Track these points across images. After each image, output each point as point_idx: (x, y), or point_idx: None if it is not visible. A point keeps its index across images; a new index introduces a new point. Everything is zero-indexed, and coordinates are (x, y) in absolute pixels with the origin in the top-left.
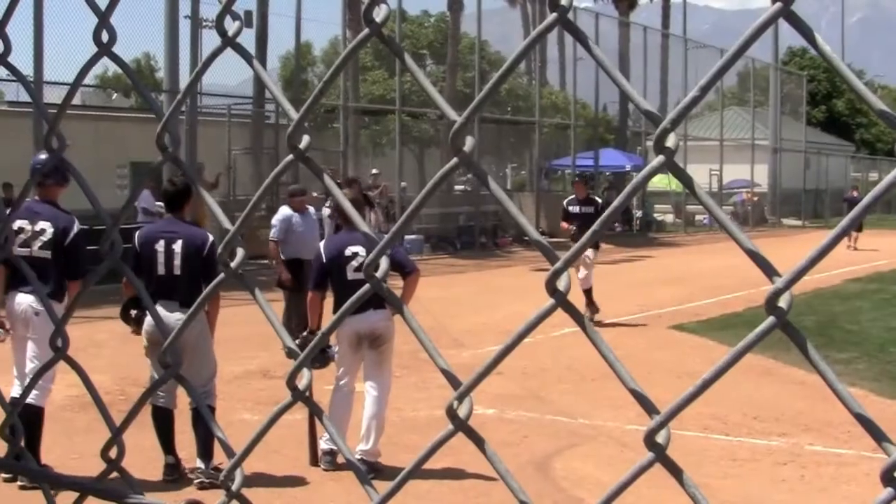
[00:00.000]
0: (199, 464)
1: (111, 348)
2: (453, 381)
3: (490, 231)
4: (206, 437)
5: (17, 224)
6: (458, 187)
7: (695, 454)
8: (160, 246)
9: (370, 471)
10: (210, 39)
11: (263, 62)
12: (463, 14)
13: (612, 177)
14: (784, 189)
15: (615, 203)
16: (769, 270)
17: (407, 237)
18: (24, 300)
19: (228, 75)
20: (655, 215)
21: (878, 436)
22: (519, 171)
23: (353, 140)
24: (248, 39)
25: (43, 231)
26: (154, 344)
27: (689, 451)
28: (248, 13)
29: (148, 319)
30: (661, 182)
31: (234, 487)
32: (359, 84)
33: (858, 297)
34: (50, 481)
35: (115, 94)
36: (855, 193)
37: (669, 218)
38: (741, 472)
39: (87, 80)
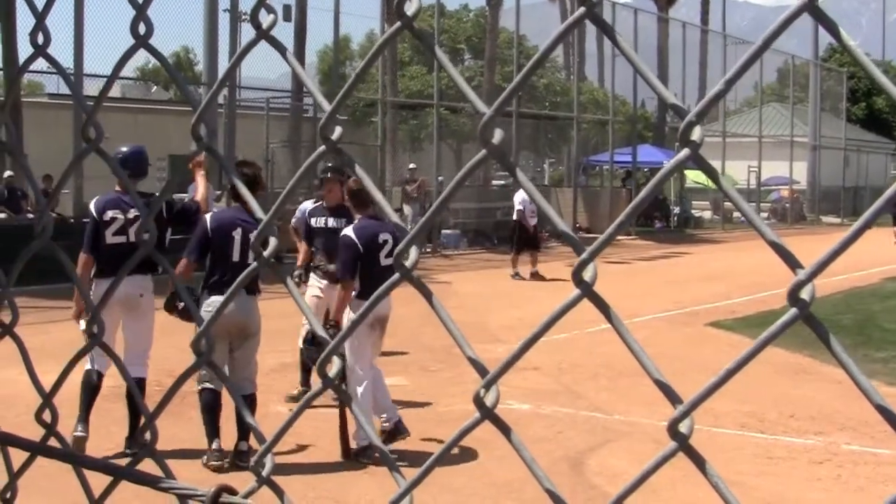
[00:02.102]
0: (243, 447)
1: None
2: (481, 370)
3: None
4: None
5: (109, 214)
6: (495, 182)
7: (731, 452)
8: (237, 234)
9: (399, 431)
10: (249, 33)
11: (302, 56)
12: (501, 9)
13: (650, 173)
14: (823, 186)
15: (642, 193)
16: (792, 262)
17: (444, 231)
18: (131, 284)
19: (267, 69)
20: (693, 212)
21: None
22: (557, 166)
23: (391, 135)
24: (286, 33)
25: (137, 218)
26: (224, 330)
27: (725, 449)
28: (287, 7)
29: (209, 306)
30: (700, 178)
31: (264, 473)
32: (397, 79)
33: None
34: (85, 465)
35: (155, 87)
36: None
37: (707, 214)
38: (777, 470)
39: (127, 73)
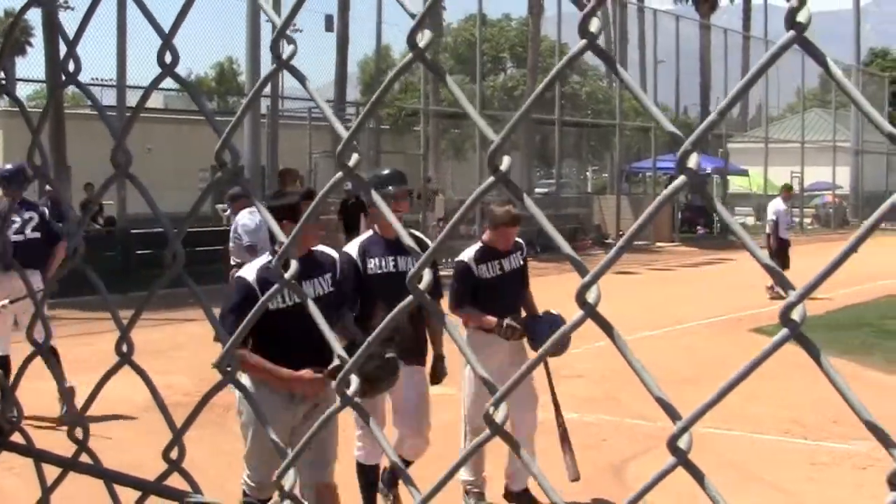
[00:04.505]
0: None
1: (190, 350)
2: (490, 386)
3: (570, 233)
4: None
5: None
6: (539, 190)
7: (773, 457)
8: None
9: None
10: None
11: (344, 66)
12: (543, 17)
13: None
14: (866, 191)
15: (640, 220)
16: (785, 284)
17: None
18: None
19: (311, 78)
20: (736, 217)
21: (886, 442)
22: (600, 173)
23: (433, 143)
24: (329, 44)
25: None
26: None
27: (767, 455)
28: (329, 17)
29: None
30: (743, 183)
31: (286, 487)
32: (439, 88)
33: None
34: (115, 480)
35: None
36: None
37: (750, 220)
38: (821, 476)
39: (168, 84)
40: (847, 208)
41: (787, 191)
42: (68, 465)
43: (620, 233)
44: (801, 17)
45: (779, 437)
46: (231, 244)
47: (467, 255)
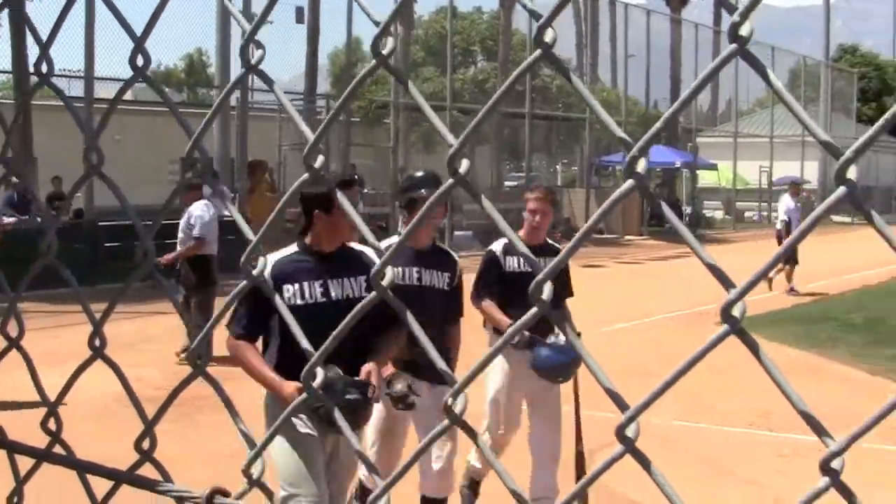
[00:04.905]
0: None
1: (161, 343)
2: (450, 379)
3: None
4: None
5: None
6: (508, 183)
7: (744, 451)
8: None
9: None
10: (263, 35)
11: (315, 58)
12: (515, 10)
13: (663, 173)
14: (834, 186)
15: (590, 221)
16: (726, 283)
17: (456, 233)
18: None
19: (280, 70)
20: (705, 212)
21: (819, 430)
22: (570, 167)
23: (403, 136)
24: (300, 35)
25: None
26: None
27: (739, 448)
28: (300, 9)
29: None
30: (711, 178)
31: (255, 476)
32: (409, 80)
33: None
34: (87, 470)
35: (167, 90)
36: None
37: (719, 214)
38: (789, 468)
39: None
40: (815, 202)
41: (794, 187)
42: (42, 457)
43: None
44: (744, 31)
45: (746, 429)
46: (181, 234)
47: (498, 244)
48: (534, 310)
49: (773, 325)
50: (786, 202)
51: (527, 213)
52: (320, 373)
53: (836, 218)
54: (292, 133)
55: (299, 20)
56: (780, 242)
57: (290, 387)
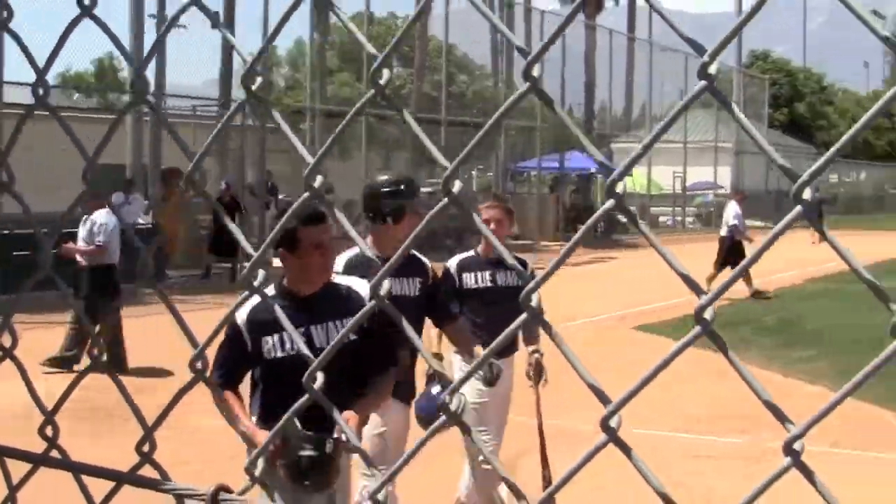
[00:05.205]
0: None
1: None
2: (443, 379)
3: (456, 232)
4: None
5: None
6: (424, 190)
7: (660, 452)
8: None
9: None
10: (176, 39)
11: (230, 64)
12: (430, 16)
13: (578, 179)
14: (746, 190)
15: (574, 239)
16: (697, 290)
17: None
18: None
19: (193, 76)
20: (619, 217)
21: (781, 418)
22: (485, 173)
23: (319, 142)
24: (215, 41)
25: None
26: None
27: (654, 449)
28: (216, 14)
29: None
30: (626, 183)
31: (257, 473)
32: (325, 86)
33: (820, 297)
34: (87, 473)
35: (77, 94)
36: (817, 194)
37: None
38: (705, 468)
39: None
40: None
41: (739, 194)
42: (39, 461)
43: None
44: (711, 70)
45: (665, 432)
46: (81, 242)
47: (453, 261)
48: (523, 315)
49: (687, 328)
50: (733, 208)
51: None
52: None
53: (749, 222)
54: (236, 146)
55: (215, 26)
56: (721, 246)
57: (262, 436)
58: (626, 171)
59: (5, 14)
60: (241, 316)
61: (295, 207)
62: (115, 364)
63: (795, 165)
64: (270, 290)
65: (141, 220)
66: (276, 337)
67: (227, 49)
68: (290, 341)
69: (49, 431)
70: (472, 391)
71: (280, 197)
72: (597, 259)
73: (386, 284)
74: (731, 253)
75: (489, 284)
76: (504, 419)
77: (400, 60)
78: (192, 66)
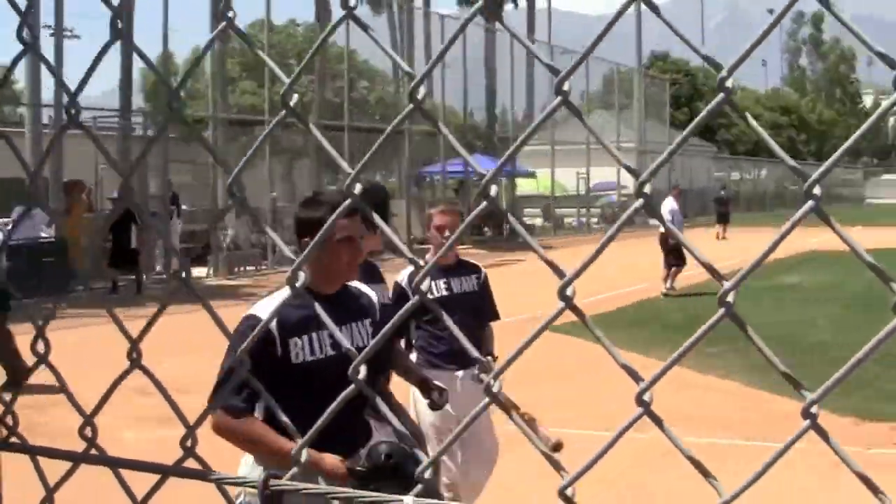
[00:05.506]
0: None
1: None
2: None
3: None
4: None
5: None
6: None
7: (582, 451)
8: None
9: None
10: (74, 50)
11: (129, 73)
12: (330, 23)
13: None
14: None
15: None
16: (718, 276)
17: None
18: None
19: (93, 86)
20: (525, 219)
21: (796, 385)
22: (388, 178)
23: (222, 151)
24: (113, 51)
25: None
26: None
27: (583, 450)
28: (115, 22)
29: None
30: (530, 186)
31: (302, 460)
32: (227, 94)
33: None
34: (131, 467)
35: None
36: (722, 192)
37: (539, 221)
38: (658, 466)
39: None
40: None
41: (676, 190)
42: (80, 459)
43: (412, 237)
44: (729, 84)
45: (603, 432)
46: None
47: (403, 275)
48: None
49: (598, 327)
50: (669, 204)
51: (434, 231)
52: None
53: (652, 221)
54: (111, 152)
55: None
56: (663, 244)
57: (331, 459)
58: (654, 173)
59: (30, 37)
60: (267, 316)
61: (337, 215)
62: (12, 376)
63: (698, 164)
64: (286, 290)
65: (44, 234)
66: (305, 339)
67: (127, 58)
68: (318, 343)
69: (88, 432)
70: (434, 414)
71: (184, 207)
72: (503, 262)
73: (426, 282)
74: (671, 249)
75: (445, 293)
76: (491, 439)
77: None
78: (93, 75)
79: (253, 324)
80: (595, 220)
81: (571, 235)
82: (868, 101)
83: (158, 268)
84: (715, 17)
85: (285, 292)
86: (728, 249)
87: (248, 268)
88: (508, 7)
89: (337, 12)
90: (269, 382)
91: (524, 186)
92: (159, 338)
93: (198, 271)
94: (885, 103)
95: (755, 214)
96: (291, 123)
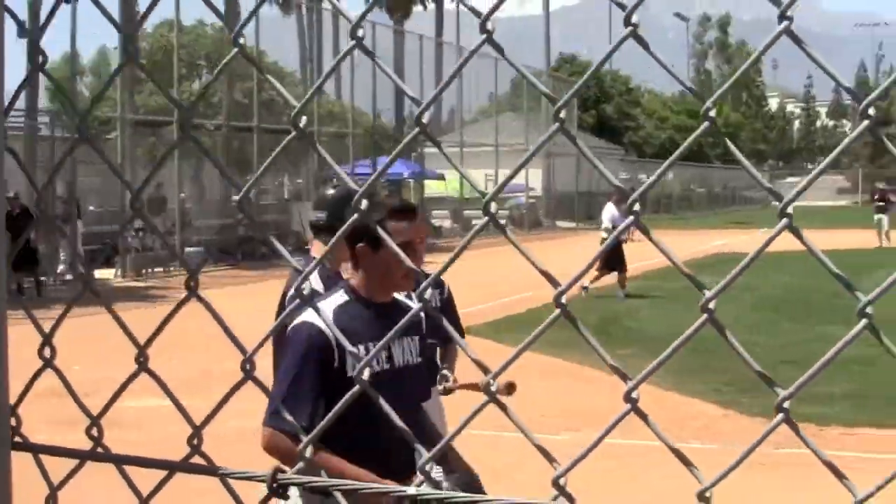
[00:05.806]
0: None
1: None
2: (484, 368)
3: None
4: None
5: None
6: (235, 197)
7: (486, 451)
8: None
9: None
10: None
11: (36, 73)
12: (239, 23)
13: (389, 184)
14: (558, 192)
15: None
16: (697, 284)
17: (188, 249)
18: None
19: None
20: (433, 221)
21: (770, 383)
22: (295, 179)
23: (129, 152)
24: (20, 51)
25: None
26: None
27: (481, 450)
28: (22, 23)
29: None
30: (439, 187)
31: (307, 455)
32: (134, 95)
33: (636, 295)
34: (138, 464)
35: None
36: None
37: (448, 223)
38: (540, 466)
39: None
40: (540, 209)
41: (615, 194)
42: (86, 457)
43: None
44: (712, 114)
45: (492, 431)
46: None
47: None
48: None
49: (510, 329)
50: (610, 210)
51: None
52: (435, 469)
53: (560, 223)
54: (43, 158)
55: (21, 35)
56: (609, 249)
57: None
58: (645, 192)
59: (41, 59)
60: (324, 323)
61: (353, 221)
62: None
63: (605, 166)
64: (341, 294)
65: None
66: (361, 348)
67: (33, 59)
68: (377, 357)
69: (94, 432)
70: None
71: (91, 209)
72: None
73: (429, 292)
74: (611, 254)
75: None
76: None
77: (209, 68)
78: None
79: (313, 332)
80: (503, 221)
81: (479, 238)
82: (773, 104)
83: (61, 268)
84: (621, 20)
85: (336, 297)
86: (642, 251)
87: (156, 269)
88: (417, 10)
89: (245, 12)
90: (329, 397)
91: (433, 188)
92: (69, 341)
93: (105, 273)
94: (853, 133)
95: (663, 217)
96: (200, 125)
